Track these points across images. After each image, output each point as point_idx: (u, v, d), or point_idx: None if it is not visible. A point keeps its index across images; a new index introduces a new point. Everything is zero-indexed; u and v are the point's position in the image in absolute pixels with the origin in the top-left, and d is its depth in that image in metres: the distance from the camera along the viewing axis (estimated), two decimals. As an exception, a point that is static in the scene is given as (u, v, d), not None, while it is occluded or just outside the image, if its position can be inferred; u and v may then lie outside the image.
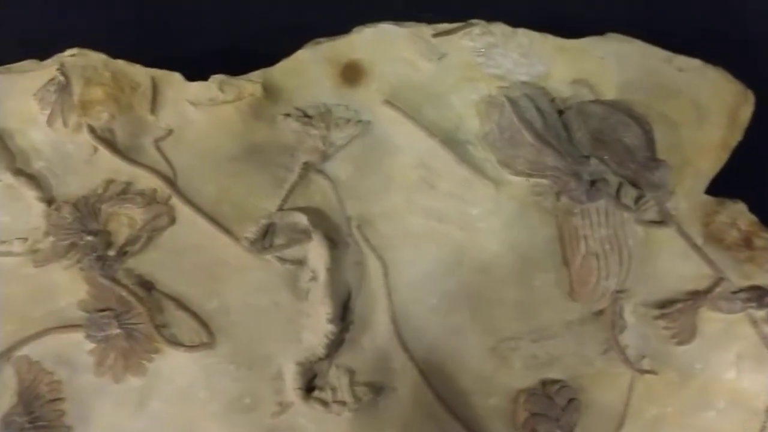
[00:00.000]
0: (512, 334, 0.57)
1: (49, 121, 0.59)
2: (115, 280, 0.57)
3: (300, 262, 0.58)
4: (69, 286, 0.59)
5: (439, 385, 0.57)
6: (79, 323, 0.58)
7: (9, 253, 0.59)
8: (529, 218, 0.58)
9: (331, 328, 0.56)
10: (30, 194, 0.59)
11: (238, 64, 0.62)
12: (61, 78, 0.59)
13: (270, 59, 0.62)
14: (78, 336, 0.58)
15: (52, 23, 0.70)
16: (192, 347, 0.57)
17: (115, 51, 0.61)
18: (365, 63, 0.60)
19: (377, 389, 0.57)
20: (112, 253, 0.58)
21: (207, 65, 0.62)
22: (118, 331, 0.57)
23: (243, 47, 0.68)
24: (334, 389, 0.57)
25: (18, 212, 0.60)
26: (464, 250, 0.58)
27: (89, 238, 0.58)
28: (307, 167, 0.59)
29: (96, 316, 0.57)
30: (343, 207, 0.59)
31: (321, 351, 0.56)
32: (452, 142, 0.59)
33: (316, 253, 0.57)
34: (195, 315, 0.58)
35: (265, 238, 0.58)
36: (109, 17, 0.69)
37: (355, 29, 0.61)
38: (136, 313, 0.57)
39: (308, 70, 0.60)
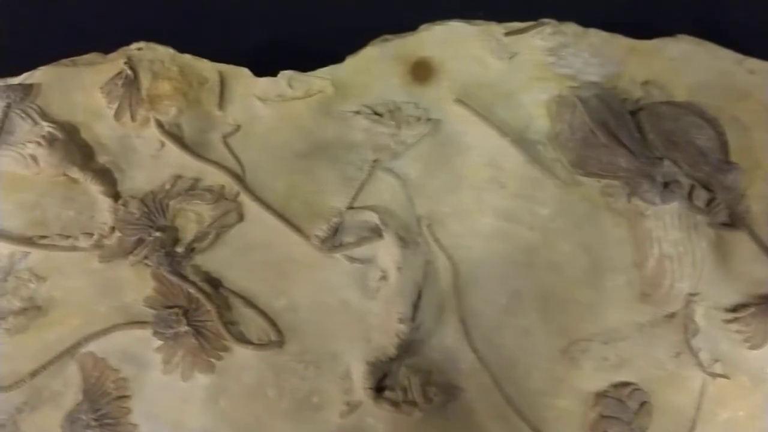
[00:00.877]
0: (583, 336, 0.57)
1: (117, 116, 0.59)
2: (183, 277, 0.57)
3: (369, 261, 0.58)
4: (135, 282, 0.58)
5: (509, 386, 0.57)
6: (147, 320, 0.57)
7: (74, 248, 0.58)
8: (600, 219, 0.58)
9: (402, 327, 0.56)
10: (95, 189, 0.58)
11: (300, 60, 0.62)
12: (129, 72, 0.58)
13: (331, 56, 0.62)
14: (144, 333, 0.57)
15: (111, 16, 0.69)
16: (261, 345, 0.57)
17: (176, 45, 0.61)
18: (435, 61, 0.59)
19: (446, 390, 0.57)
20: (180, 249, 0.58)
21: (268, 61, 0.62)
22: (186, 328, 0.56)
23: (304, 44, 0.68)
24: (404, 389, 0.56)
25: (83, 207, 0.59)
26: (534, 250, 0.58)
27: (157, 234, 0.57)
28: (376, 165, 0.58)
29: (164, 313, 0.57)
30: (412, 206, 0.58)
31: (392, 351, 0.56)
32: (522, 141, 0.58)
33: (387, 252, 0.57)
34: (263, 313, 0.57)
35: (335, 237, 0.58)
36: (167, 11, 0.69)
37: (423, 26, 0.61)
38: (205, 311, 0.57)
39: (377, 67, 0.59)
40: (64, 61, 0.61)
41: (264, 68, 0.62)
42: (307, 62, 0.62)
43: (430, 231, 0.58)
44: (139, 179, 0.59)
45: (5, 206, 0.59)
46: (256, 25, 0.70)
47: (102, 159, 0.60)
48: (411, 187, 0.58)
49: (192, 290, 0.57)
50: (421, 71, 0.60)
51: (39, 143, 0.58)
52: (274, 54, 0.67)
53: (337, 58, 0.62)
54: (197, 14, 0.69)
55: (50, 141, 0.58)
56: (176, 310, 0.57)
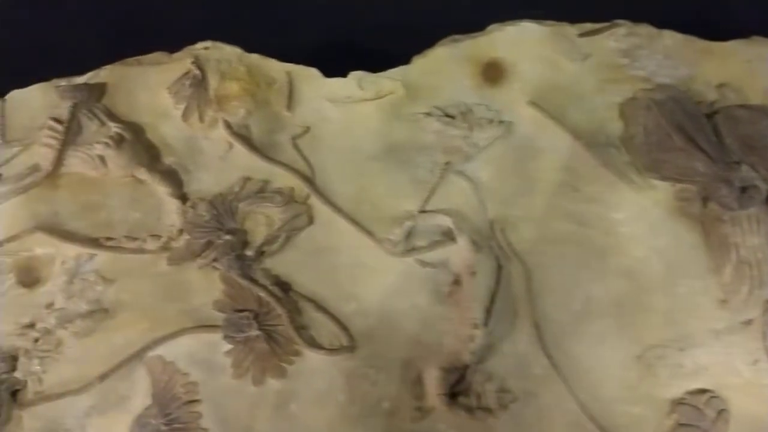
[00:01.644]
0: (658, 342, 0.56)
1: (185, 116, 0.58)
2: (254, 281, 0.56)
3: (441, 265, 0.57)
4: (203, 285, 0.58)
5: (582, 393, 0.56)
6: (216, 324, 0.57)
7: (142, 250, 0.58)
8: (675, 224, 0.57)
9: (477, 333, 0.55)
10: (162, 190, 0.58)
11: (360, 60, 0.61)
12: (197, 72, 0.58)
13: (393, 56, 0.61)
14: (213, 336, 0.57)
15: (167, 13, 0.69)
16: (333, 350, 0.56)
17: (235, 44, 0.61)
18: (507, 62, 0.59)
19: (519, 396, 0.56)
20: (250, 252, 0.57)
21: (327, 61, 0.61)
22: (257, 332, 0.56)
23: (364, 43, 0.67)
24: (478, 395, 0.56)
25: (149, 208, 0.59)
26: (608, 255, 0.57)
27: (227, 237, 0.56)
28: (448, 168, 0.58)
29: (235, 317, 0.56)
30: (484, 210, 0.58)
31: (467, 357, 0.55)
32: (595, 144, 0.58)
33: (460, 256, 0.56)
34: (333, 317, 0.57)
35: (407, 240, 0.57)
36: (226, 9, 0.68)
37: (493, 27, 0.60)
38: (276, 315, 0.56)
39: (447, 68, 0.59)
40: (129, 60, 0.60)
41: (324, 68, 0.61)
42: (367, 62, 0.61)
43: (503, 235, 0.57)
44: (206, 181, 0.59)
45: (71, 207, 0.58)
46: (316, 25, 0.69)
47: (168, 160, 0.59)
48: (482, 190, 0.58)
49: (263, 294, 0.56)
50: (493, 72, 0.59)
51: (107, 144, 0.57)
52: (333, 54, 0.66)
53: (398, 57, 0.61)
54: (253, 13, 0.69)
55: (118, 142, 0.57)
56: (247, 313, 0.56)
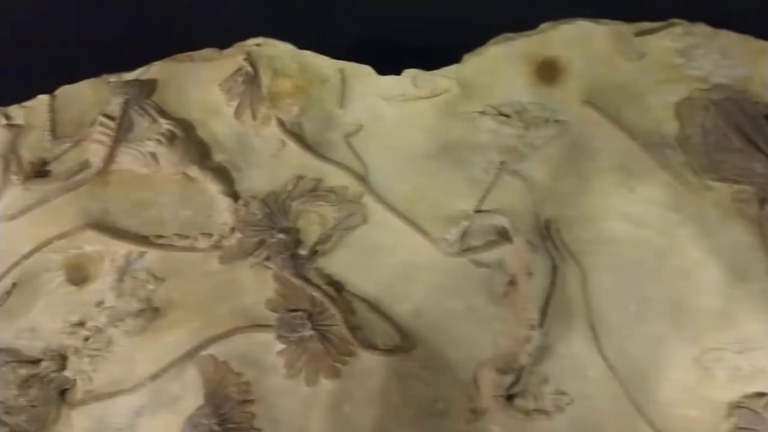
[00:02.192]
0: (715, 345, 0.55)
1: (237, 113, 0.57)
2: (307, 280, 0.56)
3: (496, 266, 0.57)
4: (255, 284, 0.57)
5: (639, 395, 0.55)
6: (268, 323, 0.56)
7: (193, 248, 0.57)
8: (732, 225, 0.56)
9: (534, 334, 0.55)
10: (214, 188, 0.57)
11: (409, 58, 0.61)
12: (249, 68, 0.57)
13: (441, 53, 0.61)
14: (266, 336, 0.56)
15: (214, 10, 0.68)
16: (388, 351, 0.55)
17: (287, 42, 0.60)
18: (562, 61, 0.58)
19: (574, 398, 0.56)
20: (303, 251, 0.56)
21: (376, 59, 0.61)
22: (312, 332, 0.55)
23: (410, 42, 0.66)
24: (535, 397, 0.55)
25: (200, 206, 0.58)
26: (664, 256, 0.56)
27: (281, 235, 0.56)
28: (503, 167, 0.57)
29: (288, 317, 0.55)
30: (539, 210, 0.57)
31: (524, 358, 0.54)
32: (650, 144, 0.57)
33: (517, 257, 0.55)
34: (387, 318, 0.56)
35: (462, 240, 0.56)
36: (272, 6, 0.68)
37: (546, 25, 0.59)
38: (329, 315, 0.56)
39: (502, 67, 0.58)
40: (179, 56, 0.59)
41: (373, 66, 0.61)
42: (411, 60, 0.61)
43: (559, 235, 0.57)
44: (257, 179, 0.58)
45: (121, 205, 0.58)
46: (358, 22, 0.69)
47: (218, 157, 0.58)
48: (537, 190, 0.57)
49: (316, 293, 0.55)
50: (548, 71, 0.58)
51: (159, 141, 0.56)
52: (376, 51, 0.65)
53: (445, 55, 0.61)
54: (295, 10, 0.68)
55: (170, 139, 0.57)
56: (300, 313, 0.55)
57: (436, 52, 0.61)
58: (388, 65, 0.60)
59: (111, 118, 0.57)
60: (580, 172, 0.57)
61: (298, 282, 0.56)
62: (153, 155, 0.56)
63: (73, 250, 0.58)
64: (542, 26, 0.60)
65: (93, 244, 0.58)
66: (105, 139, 0.56)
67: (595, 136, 0.57)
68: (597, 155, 0.57)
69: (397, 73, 0.59)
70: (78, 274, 0.58)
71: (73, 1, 0.68)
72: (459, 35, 0.64)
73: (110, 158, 0.56)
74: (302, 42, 0.59)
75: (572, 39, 0.58)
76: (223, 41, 0.60)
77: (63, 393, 0.57)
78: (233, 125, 0.58)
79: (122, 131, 0.56)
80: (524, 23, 0.60)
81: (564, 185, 0.57)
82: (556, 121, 0.57)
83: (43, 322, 0.58)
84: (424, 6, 0.67)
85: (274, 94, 0.57)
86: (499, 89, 0.58)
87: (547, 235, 0.57)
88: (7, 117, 0.58)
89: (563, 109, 0.57)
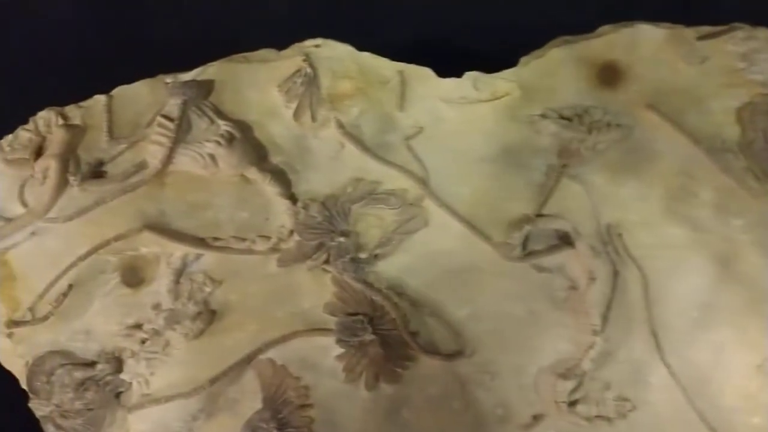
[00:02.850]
0: (778, 352, 0.56)
1: (296, 115, 0.57)
2: (368, 284, 0.55)
3: (557, 270, 0.56)
4: (313, 287, 0.57)
5: (701, 402, 0.55)
6: (327, 327, 0.56)
7: (250, 251, 0.57)
8: (796, 231, 0.56)
9: (597, 340, 0.54)
10: (272, 190, 0.57)
11: (467, 60, 0.60)
12: (309, 69, 0.57)
13: (497, 56, 0.60)
14: (324, 340, 0.56)
15: (267, 11, 0.68)
16: (449, 356, 0.55)
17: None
18: (623, 64, 0.57)
19: (636, 404, 0.55)
20: (364, 255, 0.56)
21: (425, 61, 0.60)
22: (372, 336, 0.55)
23: (467, 43, 0.66)
24: (597, 403, 0.55)
25: (257, 209, 0.57)
26: (727, 261, 0.55)
27: (341, 239, 0.55)
28: (564, 171, 0.56)
29: (348, 321, 0.55)
30: (599, 214, 0.57)
31: (586, 364, 0.54)
32: (712, 149, 0.56)
33: (580, 261, 0.55)
34: (447, 322, 0.56)
35: (523, 244, 0.56)
36: (325, 7, 0.67)
37: (605, 28, 0.59)
38: (389, 319, 0.55)
39: (562, 70, 0.57)
40: (236, 56, 0.58)
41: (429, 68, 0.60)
42: (467, 62, 0.60)
43: (621, 240, 0.56)
44: (315, 181, 0.57)
45: (178, 206, 0.57)
46: (410, 24, 0.68)
47: (275, 159, 0.58)
48: (598, 194, 0.56)
49: (377, 297, 0.55)
50: (609, 75, 0.58)
51: (218, 142, 0.56)
52: (433, 53, 0.65)
53: (502, 57, 0.60)
54: (354, 10, 0.68)
55: (229, 140, 0.56)
56: (360, 317, 0.55)
57: (491, 54, 0.61)
58: (440, 67, 0.60)
59: (169, 119, 0.56)
60: (641, 176, 0.57)
61: (358, 286, 0.55)
62: (212, 157, 0.56)
63: (129, 251, 0.57)
64: (601, 29, 0.59)
65: (149, 245, 0.57)
66: (163, 140, 0.56)
67: (657, 140, 0.57)
68: (658, 159, 0.57)
69: (454, 75, 0.59)
70: (133, 276, 0.57)
71: (125, 1, 0.68)
72: (514, 37, 0.63)
73: (168, 159, 0.56)
74: (359, 43, 0.59)
75: (633, 42, 0.57)
76: (271, 42, 0.59)
77: (118, 396, 0.57)
78: (291, 127, 0.58)
79: (181, 132, 0.56)
80: (580, 26, 0.60)
81: (625, 190, 0.57)
82: (618, 124, 0.57)
83: (97, 325, 0.57)
84: (477, 7, 0.67)
85: (334, 95, 0.57)
86: (560, 92, 0.57)
87: (608, 240, 0.56)
88: (64, 117, 0.57)
89: (624, 112, 0.57)
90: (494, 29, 0.66)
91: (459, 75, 0.58)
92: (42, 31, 0.68)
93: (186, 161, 0.56)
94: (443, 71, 0.59)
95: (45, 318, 0.55)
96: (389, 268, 0.56)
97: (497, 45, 0.64)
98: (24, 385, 0.57)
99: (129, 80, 0.58)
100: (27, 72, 0.67)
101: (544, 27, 0.61)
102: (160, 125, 0.56)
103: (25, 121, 0.58)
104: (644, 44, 0.57)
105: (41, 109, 0.59)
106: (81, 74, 0.64)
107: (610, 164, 0.57)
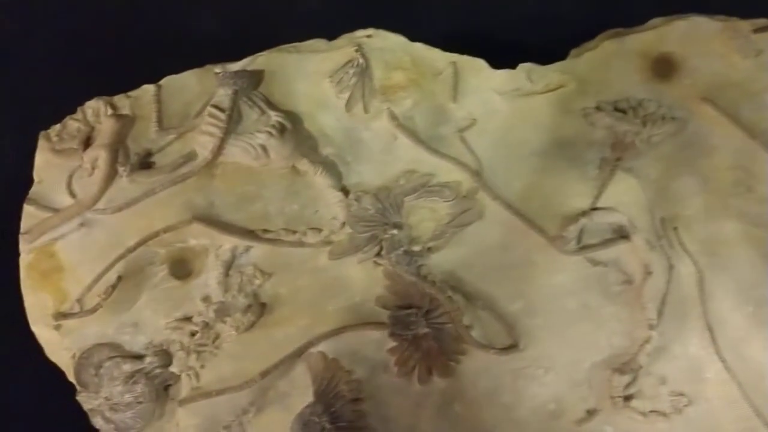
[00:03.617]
0: (834, 348, 0.55)
1: (348, 106, 0.56)
2: (421, 277, 0.55)
3: (612, 264, 0.55)
4: (364, 280, 0.56)
5: (757, 398, 0.54)
6: (378, 320, 0.55)
7: (301, 243, 0.56)
8: None
9: (653, 334, 0.54)
10: (324, 182, 0.56)
11: (513, 51, 0.60)
12: (361, 60, 0.56)
13: (546, 48, 0.60)
14: (376, 333, 0.55)
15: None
16: (501, 350, 0.54)
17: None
18: (677, 57, 0.57)
19: (691, 399, 0.55)
20: (417, 248, 0.55)
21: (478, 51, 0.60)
22: (426, 330, 0.54)
23: (512, 35, 0.66)
24: (652, 398, 0.54)
25: (307, 201, 0.57)
26: (782, 257, 0.56)
27: (394, 231, 0.55)
28: (618, 165, 0.56)
29: (402, 314, 0.54)
30: (653, 208, 0.56)
31: (642, 358, 0.53)
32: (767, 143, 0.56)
33: (636, 255, 0.54)
34: (500, 316, 0.55)
35: (578, 238, 0.55)
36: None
37: (656, 20, 0.58)
38: (442, 312, 0.54)
39: (616, 62, 0.57)
40: (285, 47, 0.58)
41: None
42: (513, 54, 0.60)
43: (675, 234, 0.56)
44: (366, 173, 0.57)
45: (227, 198, 0.57)
46: (452, 16, 0.68)
47: (326, 151, 0.57)
48: (652, 188, 0.56)
49: (430, 291, 0.54)
50: (663, 67, 0.57)
51: (270, 133, 0.55)
52: (479, 44, 0.64)
53: (552, 49, 0.60)
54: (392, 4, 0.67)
55: (280, 131, 0.55)
56: (414, 311, 0.54)
57: (539, 46, 0.61)
58: (487, 59, 0.59)
59: (220, 109, 0.55)
60: (696, 170, 0.56)
61: (411, 279, 0.55)
62: (263, 148, 0.55)
63: (178, 243, 0.56)
64: (652, 22, 0.59)
65: (198, 237, 0.56)
66: (214, 130, 0.55)
67: (712, 134, 0.56)
68: (714, 153, 0.56)
69: (501, 67, 0.58)
70: (182, 269, 0.57)
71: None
72: (561, 29, 0.63)
73: (219, 150, 0.55)
74: (408, 34, 0.58)
75: (687, 35, 0.57)
76: (314, 33, 0.59)
77: (167, 389, 0.57)
78: (341, 118, 0.57)
79: (231, 123, 0.55)
80: (628, 18, 0.60)
81: (679, 183, 0.56)
82: (673, 117, 0.56)
83: (145, 317, 0.56)
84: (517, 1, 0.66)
85: (387, 87, 0.56)
86: (614, 85, 0.57)
87: (662, 234, 0.56)
88: (113, 107, 0.57)
89: (679, 105, 0.56)
90: (541, 21, 0.66)
91: (506, 67, 0.58)
92: (85, 21, 0.67)
93: (236, 152, 0.56)
94: (491, 63, 0.59)
95: (94, 310, 0.55)
96: (443, 261, 0.56)
97: (545, 36, 0.63)
98: (71, 378, 0.57)
99: (173, 69, 0.57)
100: (71, 61, 0.66)
101: (591, 19, 0.61)
102: (211, 115, 0.55)
103: (72, 111, 0.58)
104: (699, 37, 0.57)
105: (84, 99, 0.58)
106: (121, 66, 0.63)
107: (664, 158, 0.56)
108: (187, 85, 0.58)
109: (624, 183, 0.56)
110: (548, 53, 0.59)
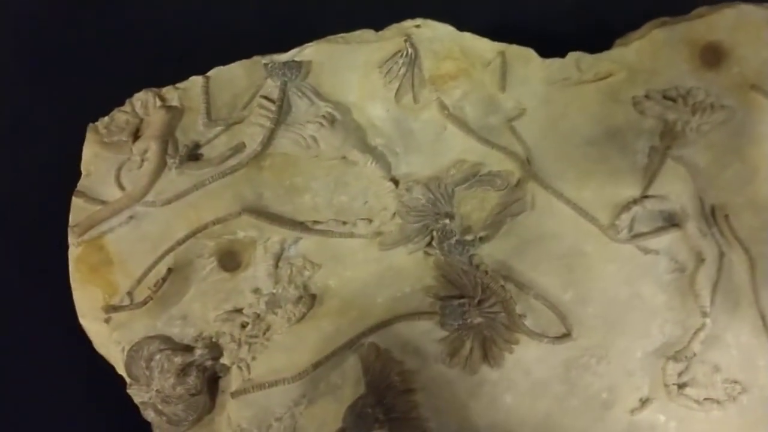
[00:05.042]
0: None
1: (398, 96, 0.56)
2: (473, 267, 0.54)
3: (664, 252, 0.55)
4: (414, 270, 0.56)
5: (811, 385, 0.55)
6: (429, 310, 0.55)
7: (351, 235, 0.56)
8: None
9: (707, 322, 0.54)
10: (374, 173, 0.56)
11: (557, 41, 0.60)
12: (410, 50, 0.56)
13: (591, 36, 0.60)
14: (427, 324, 0.55)
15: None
16: (555, 339, 0.54)
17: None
18: (725, 45, 0.57)
19: (745, 387, 0.55)
20: (469, 237, 0.55)
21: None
22: (479, 319, 0.54)
23: (555, 25, 0.66)
24: (706, 386, 0.54)
25: (356, 192, 0.57)
26: (836, 245, 0.56)
27: (446, 221, 0.55)
28: (668, 153, 0.56)
29: (453, 304, 0.54)
30: (703, 196, 0.56)
31: (696, 346, 0.53)
32: (815, 132, 0.56)
33: (689, 243, 0.54)
34: (553, 305, 0.55)
35: (630, 226, 0.55)
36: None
37: (702, 9, 0.58)
38: (495, 302, 0.54)
39: (664, 50, 0.57)
40: (334, 37, 0.58)
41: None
42: (558, 43, 0.60)
43: (726, 222, 0.56)
44: (415, 164, 0.57)
45: (276, 191, 0.56)
46: (498, 3, 0.68)
47: (375, 142, 0.57)
48: (702, 176, 0.56)
49: (482, 280, 0.54)
50: (711, 56, 0.57)
51: (320, 124, 0.55)
52: (519, 34, 0.64)
53: (598, 37, 0.60)
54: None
55: (331, 121, 0.55)
56: (466, 300, 0.54)
57: (582, 35, 0.61)
58: (536, 47, 0.59)
59: (270, 100, 0.55)
60: (745, 158, 0.56)
61: (463, 269, 0.54)
62: (314, 138, 0.55)
63: (227, 235, 0.56)
64: (699, 10, 0.59)
65: (246, 229, 0.56)
66: (264, 121, 0.55)
67: (762, 122, 0.56)
68: (763, 141, 0.56)
69: (552, 55, 0.58)
70: (231, 261, 0.56)
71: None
72: (607, 18, 0.63)
73: (269, 141, 0.55)
74: (456, 23, 0.58)
75: (735, 23, 0.57)
76: (362, 23, 0.58)
77: (217, 381, 0.57)
78: (390, 109, 0.57)
79: (281, 114, 0.55)
80: (674, 6, 0.60)
81: (729, 172, 0.56)
82: (722, 106, 0.56)
83: (194, 310, 0.56)
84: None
85: (437, 76, 0.56)
86: (662, 73, 0.57)
87: (712, 222, 0.56)
88: (162, 98, 0.57)
89: (727, 94, 0.56)
90: (587, 9, 0.66)
91: (554, 56, 0.58)
92: (132, 13, 0.67)
93: (286, 143, 0.56)
94: (539, 52, 0.58)
95: (144, 303, 0.54)
96: (494, 250, 0.56)
97: (591, 25, 0.64)
98: (120, 371, 0.56)
99: (218, 61, 0.57)
100: (118, 53, 0.66)
101: (638, 7, 0.61)
102: (261, 106, 0.55)
103: (119, 104, 0.58)
104: (747, 25, 0.57)
105: (132, 91, 0.58)
106: (167, 58, 0.63)
107: (713, 146, 0.56)
108: (235, 77, 0.57)
109: (673, 171, 0.56)
110: (594, 42, 0.60)
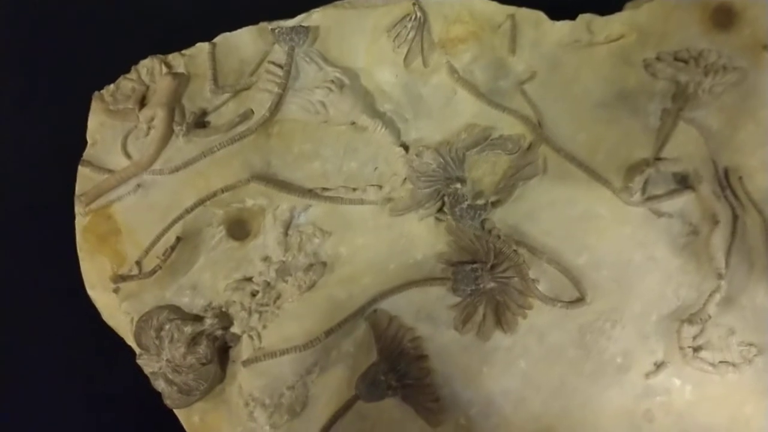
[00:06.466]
0: None
1: (407, 61, 0.55)
2: (486, 231, 0.54)
3: (678, 215, 0.55)
4: (425, 236, 0.55)
5: (826, 348, 0.55)
6: (441, 276, 0.54)
7: (362, 201, 0.55)
8: None
9: (722, 284, 0.53)
10: (384, 138, 0.55)
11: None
12: (419, 14, 0.55)
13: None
14: (439, 290, 0.55)
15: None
16: (569, 303, 0.54)
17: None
18: (736, 7, 0.56)
19: (760, 349, 0.55)
20: (481, 202, 0.54)
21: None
22: (492, 284, 0.53)
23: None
24: (721, 349, 0.54)
25: (366, 158, 0.56)
26: None
27: (457, 185, 0.54)
28: (680, 115, 0.55)
29: (466, 269, 0.54)
30: (716, 158, 0.55)
31: (711, 308, 0.53)
32: (827, 92, 0.56)
33: (703, 205, 0.54)
34: (566, 270, 0.54)
35: (643, 189, 0.55)
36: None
37: (715, -29, 0.58)
38: (507, 267, 0.54)
39: (675, 12, 0.56)
40: (341, 2, 0.57)
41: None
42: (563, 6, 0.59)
43: (741, 184, 0.55)
44: (425, 129, 0.56)
45: (285, 158, 0.56)
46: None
47: (384, 107, 0.56)
48: (715, 138, 0.55)
49: (495, 245, 0.54)
50: (722, 17, 0.56)
51: (329, 89, 0.54)
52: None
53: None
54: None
55: (339, 86, 0.54)
56: (478, 265, 0.54)
57: None
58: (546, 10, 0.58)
59: (278, 65, 0.55)
60: (758, 120, 0.55)
61: (475, 233, 0.54)
62: (322, 104, 0.54)
63: (235, 204, 0.56)
64: (711, -28, 0.58)
65: (255, 197, 0.56)
66: (272, 87, 0.54)
67: (774, 83, 0.56)
68: (776, 103, 0.56)
69: (562, 18, 0.57)
70: (240, 229, 0.56)
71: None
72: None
73: (277, 107, 0.54)
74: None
75: (746, -16, 0.57)
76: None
77: (227, 350, 0.56)
78: (399, 74, 0.56)
79: (289, 79, 0.55)
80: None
81: (742, 134, 0.55)
82: (734, 67, 0.55)
83: (204, 279, 0.56)
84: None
85: (446, 40, 0.55)
86: (674, 35, 0.56)
87: (726, 184, 0.55)
88: (168, 65, 0.56)
89: (739, 55, 0.56)
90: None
91: (564, 18, 0.57)
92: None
93: (295, 109, 0.55)
94: (549, 14, 0.57)
95: (153, 272, 0.54)
96: (506, 215, 0.55)
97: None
98: (129, 342, 0.56)
99: (224, 26, 0.56)
100: (121, 19, 0.65)
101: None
102: (269, 72, 0.55)
103: (124, 71, 0.57)
104: (758, -15, 0.57)
105: (136, 58, 0.57)
106: (166, 25, 0.62)
107: (726, 108, 0.56)
108: (241, 43, 0.57)
109: (686, 133, 0.55)
110: (605, 4, 0.59)
